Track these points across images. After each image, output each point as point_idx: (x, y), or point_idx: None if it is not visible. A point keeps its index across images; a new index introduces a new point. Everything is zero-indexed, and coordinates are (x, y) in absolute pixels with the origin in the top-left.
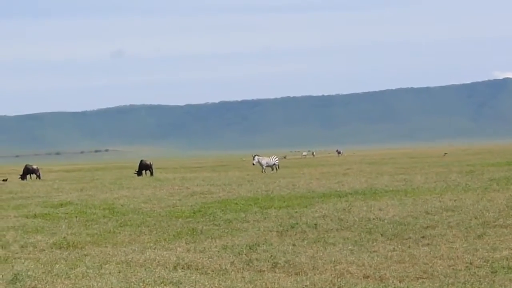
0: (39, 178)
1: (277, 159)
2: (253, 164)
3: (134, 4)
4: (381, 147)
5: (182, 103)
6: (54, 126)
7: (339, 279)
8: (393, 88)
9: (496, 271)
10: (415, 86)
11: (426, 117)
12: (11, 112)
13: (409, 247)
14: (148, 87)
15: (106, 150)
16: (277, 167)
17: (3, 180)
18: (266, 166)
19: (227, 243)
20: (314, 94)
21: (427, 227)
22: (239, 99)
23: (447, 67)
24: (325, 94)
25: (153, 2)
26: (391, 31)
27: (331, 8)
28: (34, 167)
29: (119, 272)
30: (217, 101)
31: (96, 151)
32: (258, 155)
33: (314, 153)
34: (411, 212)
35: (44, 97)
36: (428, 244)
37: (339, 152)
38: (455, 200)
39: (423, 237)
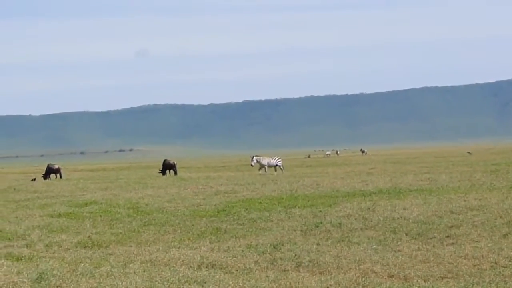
0: (61, 177)
1: (280, 159)
2: (252, 165)
3: (158, 3)
4: (406, 146)
5: (206, 103)
6: (78, 126)
7: (363, 279)
8: (418, 87)
9: None
10: (440, 85)
11: (451, 116)
12: (36, 112)
13: (433, 246)
14: (172, 86)
15: (131, 150)
16: (281, 167)
17: (32, 180)
18: (268, 167)
19: (251, 242)
20: (338, 93)
21: (452, 226)
22: (263, 98)
23: (471, 65)
24: (349, 93)
25: (177, 2)
26: (416, 29)
27: (354, 7)
28: (56, 166)
29: (144, 271)
30: (240, 100)
31: (121, 151)
32: (257, 156)
33: (338, 152)
34: (436, 212)
35: (69, 97)
36: (452, 243)
37: (363, 151)
38: (480, 199)
39: (447, 236)
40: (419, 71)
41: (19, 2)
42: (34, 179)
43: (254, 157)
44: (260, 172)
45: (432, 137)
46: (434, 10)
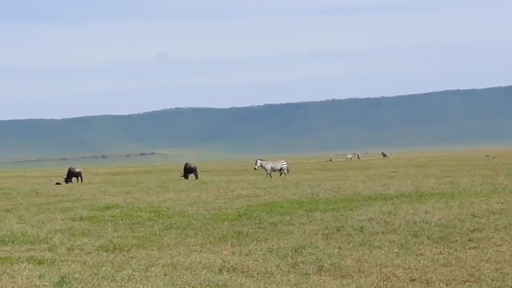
0: (82, 180)
1: (284, 163)
2: (255, 169)
3: (179, 7)
4: (427, 149)
5: (227, 106)
6: (100, 130)
7: (385, 282)
8: (439, 90)
9: None
10: (462, 88)
11: (473, 119)
12: (57, 115)
13: (455, 250)
14: (194, 90)
15: (152, 153)
16: (285, 171)
17: (56, 183)
18: (272, 171)
19: (272, 246)
20: (360, 97)
21: (474, 230)
22: (284, 102)
23: (493, 68)
24: (371, 96)
25: (197, 5)
26: (438, 33)
27: (376, 11)
28: (77, 170)
29: (165, 275)
30: (262, 104)
31: (142, 154)
32: (261, 160)
33: (360, 156)
34: (458, 215)
35: (90, 100)
36: (475, 247)
37: (384, 155)
38: (502, 203)
39: (469, 240)
40: (441, 74)
41: (40, 6)
42: (59, 183)
43: (258, 161)
44: (267, 177)
45: (454, 140)
46: (456, 13)
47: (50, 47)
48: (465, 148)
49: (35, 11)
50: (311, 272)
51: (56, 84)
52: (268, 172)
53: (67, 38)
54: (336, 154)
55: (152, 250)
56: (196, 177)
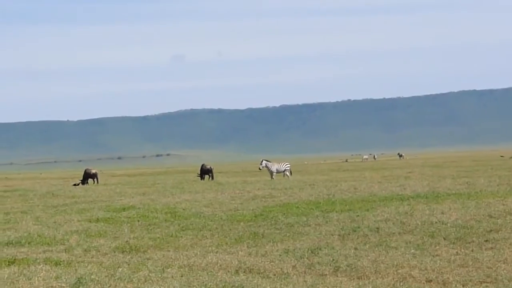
0: (98, 182)
1: (288, 165)
2: (260, 169)
3: (194, 8)
4: (443, 150)
5: (243, 107)
6: (116, 131)
7: (401, 283)
8: (456, 90)
9: None
10: (478, 89)
11: (489, 120)
12: (73, 117)
13: (472, 251)
14: (209, 91)
15: (168, 155)
16: (288, 173)
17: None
18: (276, 173)
19: (288, 247)
20: (375, 97)
21: (491, 230)
22: (300, 102)
23: (510, 69)
24: (387, 97)
25: (212, 6)
26: (453, 33)
27: (391, 11)
28: (93, 171)
29: (182, 276)
30: (277, 104)
31: (158, 156)
32: (266, 160)
33: (376, 157)
34: (474, 216)
35: (106, 102)
36: (491, 248)
37: (400, 155)
38: None
39: (486, 240)
40: (456, 74)
41: (57, 8)
42: (77, 184)
43: (264, 161)
44: (271, 179)
45: (470, 141)
46: (472, 13)
47: (66, 49)
48: (481, 149)
49: (51, 13)
50: (327, 273)
51: (72, 85)
52: (274, 173)
53: (83, 40)
54: (352, 155)
55: (168, 251)
56: (212, 178)
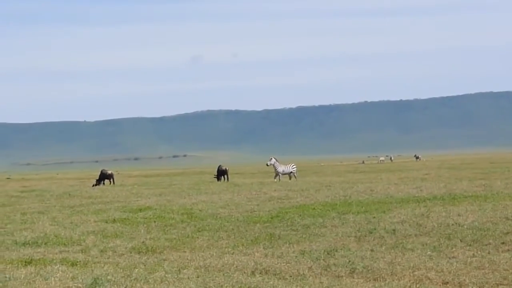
0: (114, 182)
1: (294, 166)
2: (267, 165)
3: (211, 9)
4: (460, 152)
5: (259, 108)
6: (132, 132)
7: (417, 285)
8: (472, 92)
9: None
10: (495, 90)
11: (506, 121)
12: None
13: (488, 253)
14: (226, 92)
15: (184, 156)
16: (294, 175)
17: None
18: (283, 174)
19: (305, 248)
20: (392, 99)
21: (507, 233)
22: (316, 104)
23: None
24: (403, 98)
25: (230, 8)
26: (470, 34)
27: (407, 13)
28: (109, 172)
29: (198, 277)
30: (294, 106)
31: (174, 157)
32: (276, 159)
33: (392, 158)
34: (491, 218)
35: (123, 102)
36: (508, 250)
37: (417, 157)
38: None
39: (503, 243)
40: (473, 76)
41: (74, 9)
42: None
43: (273, 159)
44: (275, 179)
45: (487, 142)
46: (489, 14)
47: (83, 50)
48: (498, 150)
49: (69, 14)
50: (343, 274)
51: (89, 86)
52: (280, 174)
53: (101, 41)
54: (369, 157)
55: (185, 252)
56: (227, 179)
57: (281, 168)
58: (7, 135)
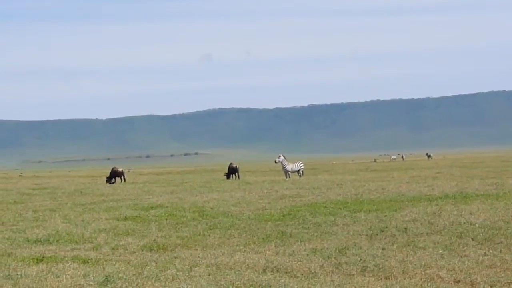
0: (124, 180)
1: (302, 164)
2: (275, 162)
3: (222, 7)
4: (472, 150)
5: (271, 107)
6: (144, 130)
7: (429, 284)
8: (485, 91)
9: None
10: (507, 89)
11: None
12: (102, 115)
13: (500, 251)
14: (237, 90)
15: (196, 153)
16: (301, 173)
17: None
18: (291, 172)
19: (316, 246)
20: (404, 97)
21: None
22: (328, 102)
23: None
24: (415, 97)
25: (241, 6)
26: (482, 33)
27: (419, 11)
28: (120, 169)
29: (209, 275)
30: (306, 104)
31: (186, 154)
32: (284, 156)
33: (404, 157)
34: (503, 217)
35: (135, 100)
36: None
37: (429, 156)
38: None
39: None
40: (485, 75)
41: (86, 7)
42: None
43: (282, 156)
44: (286, 179)
45: (499, 141)
46: (501, 13)
47: (95, 48)
48: (510, 149)
49: (81, 12)
50: (355, 272)
51: (101, 84)
52: (288, 172)
53: (112, 39)
54: (380, 155)
55: (196, 250)
56: (238, 177)
57: (289, 167)
58: (19, 133)
